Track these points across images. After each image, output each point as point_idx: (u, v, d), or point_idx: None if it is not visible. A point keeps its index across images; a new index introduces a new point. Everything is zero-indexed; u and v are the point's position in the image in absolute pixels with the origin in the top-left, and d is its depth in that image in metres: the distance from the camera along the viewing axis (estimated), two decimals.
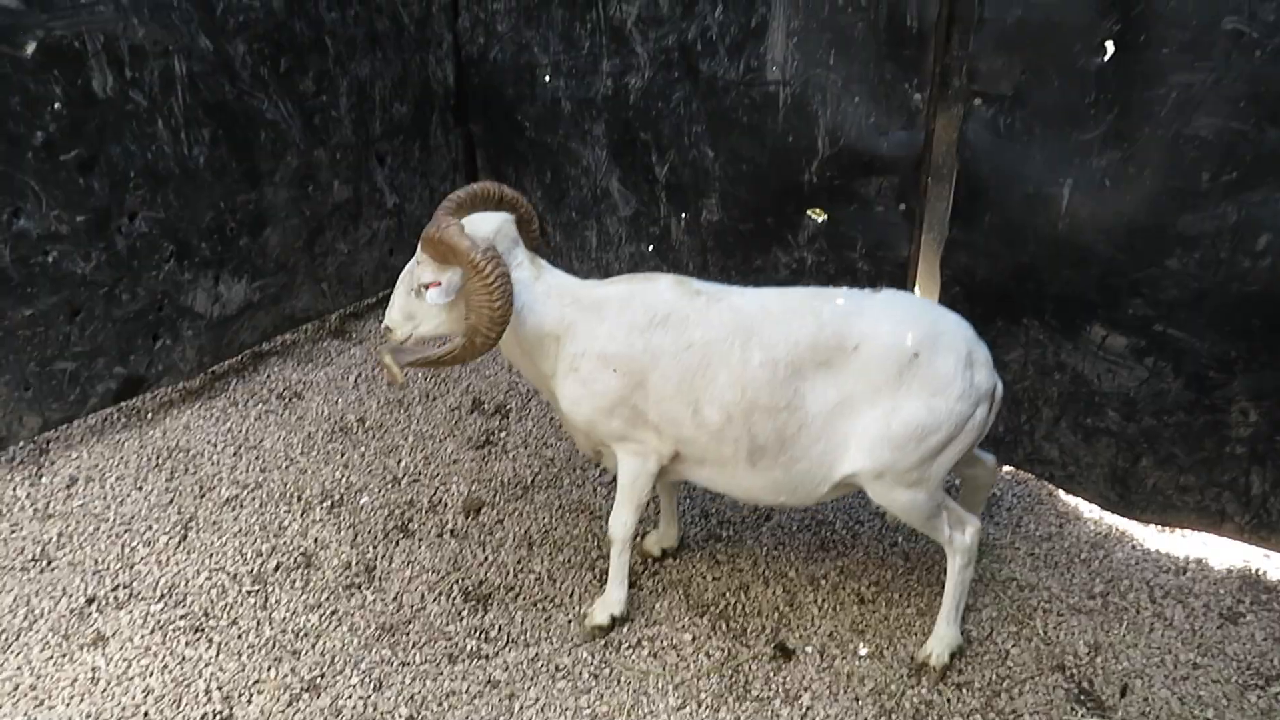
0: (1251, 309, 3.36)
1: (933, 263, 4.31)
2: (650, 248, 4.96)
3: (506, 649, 3.33)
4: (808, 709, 3.11)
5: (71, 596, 3.49)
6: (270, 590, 3.56)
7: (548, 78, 4.96)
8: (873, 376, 2.96)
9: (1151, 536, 3.89)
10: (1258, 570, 3.70)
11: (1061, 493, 4.09)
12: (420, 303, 3.06)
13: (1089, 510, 3.99)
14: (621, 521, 3.32)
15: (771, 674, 3.24)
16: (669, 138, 4.63)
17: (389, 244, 5.34)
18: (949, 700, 3.16)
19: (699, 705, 3.12)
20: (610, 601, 3.42)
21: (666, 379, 3.05)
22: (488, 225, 3.04)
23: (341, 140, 4.88)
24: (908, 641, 3.37)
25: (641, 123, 4.70)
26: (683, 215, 4.75)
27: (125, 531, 3.81)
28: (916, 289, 4.35)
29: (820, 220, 4.32)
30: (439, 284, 2.97)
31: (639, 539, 3.76)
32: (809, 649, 3.34)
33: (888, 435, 2.96)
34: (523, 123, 5.17)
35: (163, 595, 3.51)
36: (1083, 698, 3.17)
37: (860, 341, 2.97)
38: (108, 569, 3.62)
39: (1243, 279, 3.34)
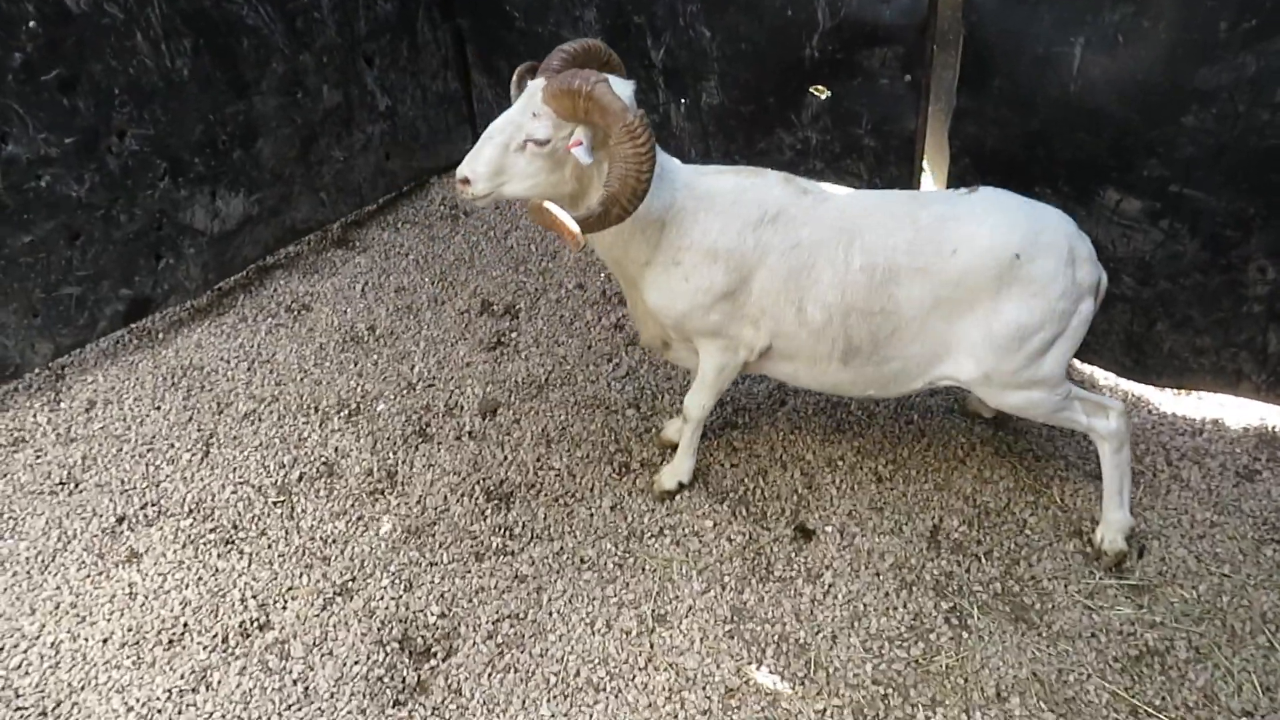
0: (1270, 164, 3.28)
1: (940, 135, 4.20)
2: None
3: (531, 544, 3.39)
4: (830, 586, 3.18)
5: (102, 517, 3.55)
6: (295, 500, 3.62)
7: None
8: (971, 281, 2.93)
9: (1168, 400, 3.88)
10: (1274, 427, 3.70)
11: (1077, 361, 4.06)
12: (518, 158, 2.83)
13: (1105, 378, 3.98)
14: (700, 404, 3.38)
15: (793, 554, 3.30)
16: (663, 19, 4.46)
17: (384, 148, 5.23)
18: (969, 570, 3.22)
19: (723, 588, 3.18)
20: (680, 470, 3.53)
21: (774, 276, 3.04)
22: (626, 90, 2.81)
23: (327, 42, 4.73)
24: (926, 517, 3.41)
25: (634, 5, 4.53)
26: (682, 101, 4.62)
27: (148, 451, 3.86)
28: (925, 162, 4.25)
29: (824, 97, 4.20)
30: (580, 143, 2.77)
31: (660, 427, 3.83)
32: (829, 529, 3.38)
33: (989, 338, 2.96)
34: (511, 13, 4.99)
35: (191, 510, 3.58)
36: (1100, 559, 3.22)
37: (959, 246, 2.93)
38: (134, 488, 3.68)
39: (1261, 133, 3.24)
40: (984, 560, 3.25)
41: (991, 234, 2.93)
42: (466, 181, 2.87)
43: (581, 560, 3.32)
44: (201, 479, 3.72)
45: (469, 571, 3.29)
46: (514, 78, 3.00)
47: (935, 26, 3.87)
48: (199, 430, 3.96)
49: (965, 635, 3.00)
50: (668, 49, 4.52)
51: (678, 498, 3.54)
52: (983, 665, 2.90)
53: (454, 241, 5.18)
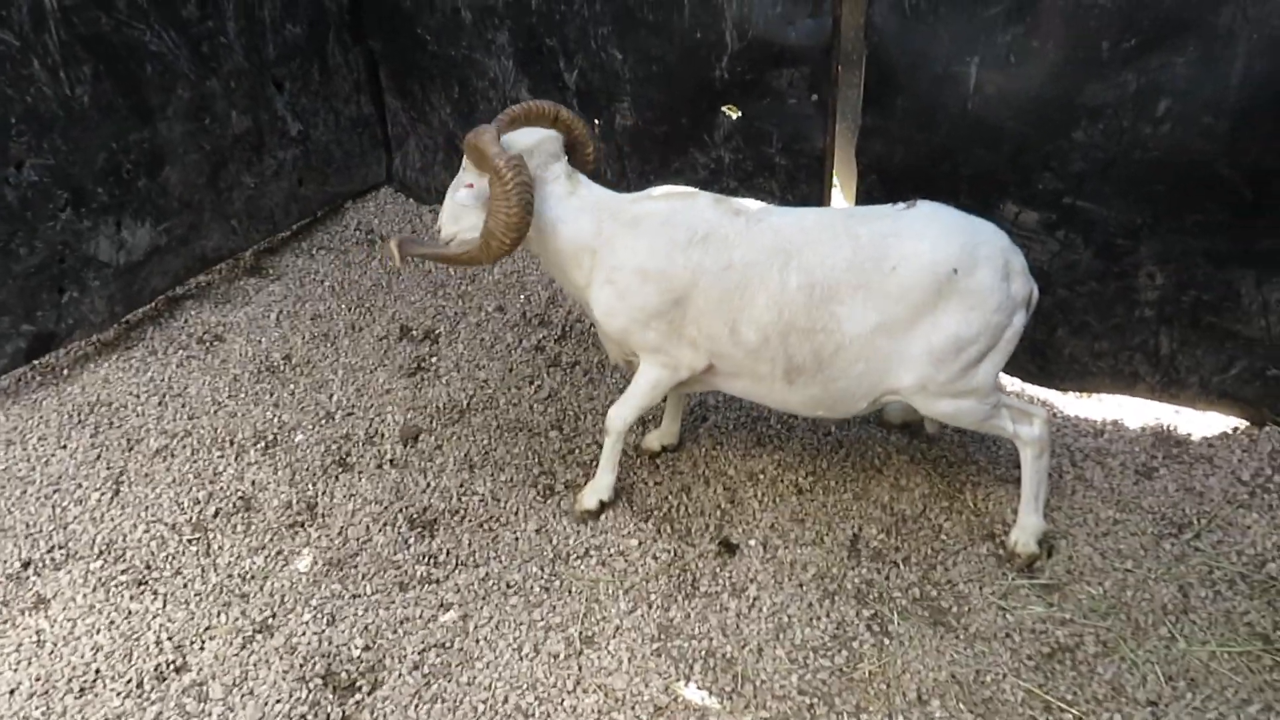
0: (1155, 175, 3.45)
1: (848, 152, 4.31)
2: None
3: (456, 571, 3.37)
4: (754, 599, 3.22)
5: (6, 562, 3.42)
6: (211, 537, 3.53)
7: None
8: (912, 296, 2.99)
9: (1070, 403, 4.04)
10: (1168, 426, 3.87)
11: None
12: (465, 207, 3.20)
13: (1011, 383, 4.12)
14: (622, 416, 3.41)
15: (718, 569, 3.34)
16: (575, 42, 4.50)
17: (297, 174, 5.16)
18: (888, 577, 3.29)
19: (649, 606, 3.21)
20: (599, 487, 3.53)
21: (706, 297, 3.10)
22: (528, 138, 3.15)
23: (235, 67, 4.66)
24: (846, 526, 3.49)
25: (546, 28, 4.56)
26: (596, 121, 4.66)
27: (55, 491, 3.73)
28: (834, 179, 4.36)
29: (735, 117, 4.28)
30: (470, 186, 3.16)
31: (639, 436, 3.86)
32: (752, 542, 3.43)
33: (928, 350, 3.03)
34: (424, 36, 4.98)
35: (101, 552, 3.47)
36: (1012, 561, 3.33)
37: (898, 262, 2.99)
38: (40, 531, 3.55)
39: (1145, 146, 3.41)
40: (902, 566, 3.33)
41: (931, 249, 2.98)
42: (439, 229, 3.31)
43: (508, 585, 3.31)
44: (112, 519, 3.61)
45: (393, 602, 3.26)
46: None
47: (839, 48, 3.98)
48: (108, 468, 3.84)
49: (886, 641, 3.07)
50: (580, 71, 4.57)
51: (603, 517, 3.55)
52: (904, 670, 2.97)
53: (371, 267, 5.13)
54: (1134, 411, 3.96)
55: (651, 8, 4.19)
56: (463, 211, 3.22)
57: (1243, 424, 3.81)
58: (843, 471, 3.73)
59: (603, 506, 3.55)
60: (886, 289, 3.00)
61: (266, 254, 5.23)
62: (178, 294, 4.89)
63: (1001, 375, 4.10)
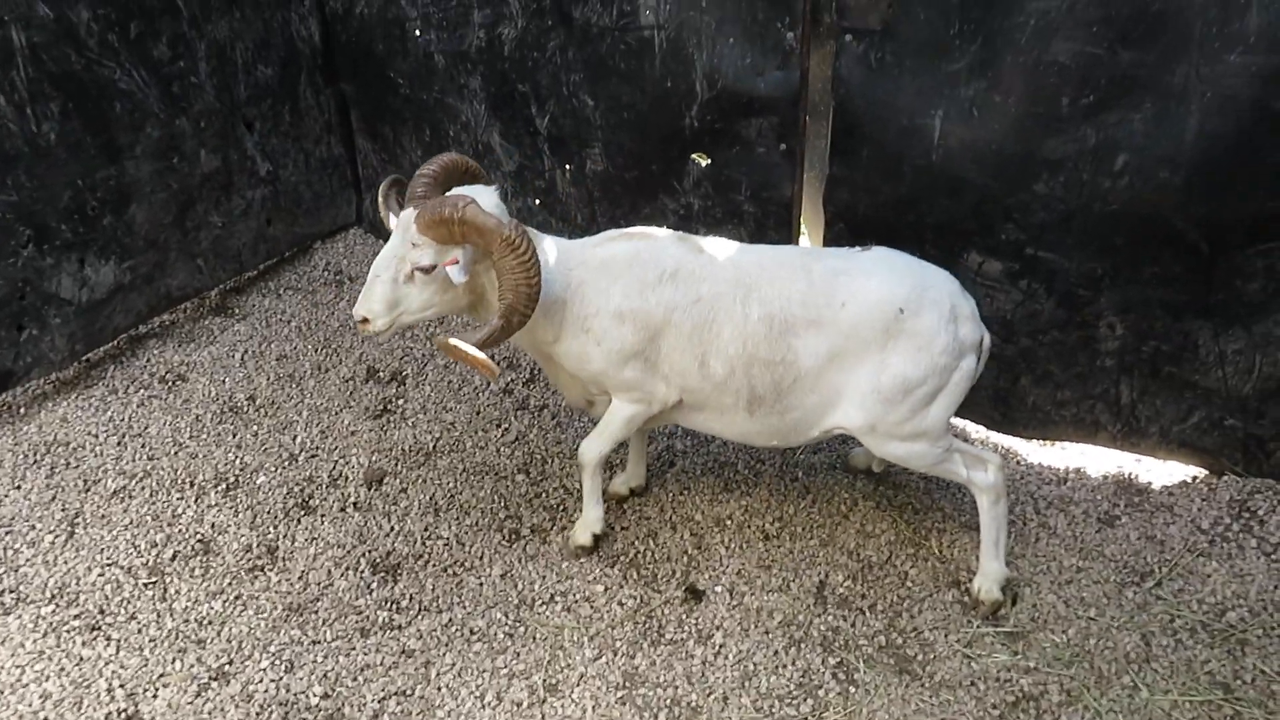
0: (1113, 227, 3.52)
1: (816, 201, 4.37)
2: (538, 201, 4.90)
3: (419, 617, 3.32)
4: (720, 646, 3.20)
5: None
6: (169, 581, 3.46)
7: (418, 31, 4.81)
8: (861, 333, 3.06)
9: (1034, 451, 4.07)
10: (1130, 475, 3.91)
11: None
12: (409, 288, 3.01)
13: (975, 431, 4.16)
14: (596, 450, 3.41)
15: (684, 616, 3.31)
16: (547, 88, 4.55)
17: (265, 214, 5.14)
18: (854, 624, 3.28)
19: (614, 654, 3.17)
20: (590, 521, 3.53)
21: (678, 332, 3.12)
22: (491, 199, 3.02)
23: (205, 107, 4.65)
24: (812, 573, 3.48)
25: (518, 74, 4.60)
26: (567, 167, 4.70)
27: (6, 533, 3.64)
28: (802, 227, 4.41)
29: (704, 164, 4.33)
30: (455, 262, 2.93)
31: (606, 481, 3.79)
32: (718, 588, 3.42)
33: (876, 389, 3.09)
34: (396, 79, 5.01)
35: (53, 596, 3.38)
36: (977, 609, 3.33)
37: (847, 300, 3.07)
38: None
39: (1104, 199, 3.48)
40: (868, 614, 3.33)
41: (878, 289, 3.07)
42: (366, 320, 3.04)
43: (471, 631, 3.26)
44: (65, 562, 3.52)
45: (354, 648, 3.20)
46: (379, 196, 3.21)
47: (807, 98, 4.05)
48: (63, 510, 3.76)
49: (852, 690, 3.06)
50: (552, 116, 4.61)
51: (567, 564, 3.52)
52: (869, 719, 2.96)
53: (338, 308, 5.10)
54: (1096, 460, 4.00)
55: (623, 56, 4.24)
56: (413, 296, 3.02)
57: (1201, 473, 3.86)
58: (809, 518, 3.73)
59: (596, 541, 3.53)
60: (838, 324, 3.08)
61: (233, 293, 5.19)
62: (140, 333, 4.83)
63: (965, 422, 4.17)
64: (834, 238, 4.12)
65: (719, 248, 3.26)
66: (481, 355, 2.87)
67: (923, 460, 3.26)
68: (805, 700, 3.02)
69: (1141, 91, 3.28)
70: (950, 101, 3.60)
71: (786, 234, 4.34)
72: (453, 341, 2.87)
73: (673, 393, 3.24)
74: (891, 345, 3.07)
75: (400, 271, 3.00)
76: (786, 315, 3.09)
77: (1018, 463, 4.00)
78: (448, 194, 2.99)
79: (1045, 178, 3.54)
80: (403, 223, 2.99)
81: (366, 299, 3.03)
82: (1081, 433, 3.99)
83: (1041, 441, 4.11)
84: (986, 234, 3.75)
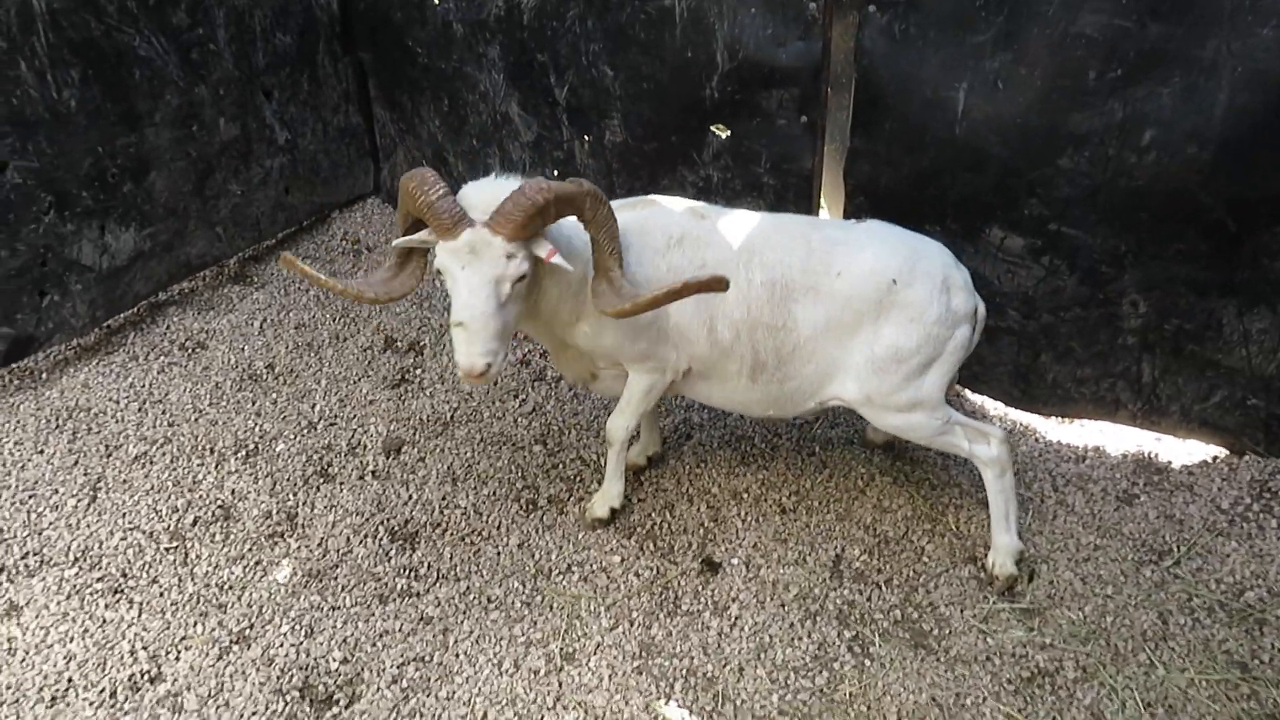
0: (1138, 203, 3.48)
1: (836, 173, 4.34)
2: (555, 173, 4.88)
3: (437, 585, 3.34)
4: (736, 618, 3.21)
5: None
6: (189, 546, 3.49)
7: (436, 0, 4.78)
8: (855, 304, 3.09)
9: (1053, 428, 4.06)
10: (1149, 453, 3.89)
11: (969, 392, 4.23)
12: (511, 308, 2.79)
13: (994, 407, 4.14)
14: (623, 425, 3.41)
15: (700, 588, 3.33)
16: (566, 58, 4.52)
17: (284, 182, 5.14)
18: (870, 598, 3.29)
19: (631, 624, 3.19)
20: (610, 495, 3.54)
21: (686, 298, 3.02)
22: (511, 183, 2.85)
23: (224, 75, 4.65)
24: (829, 547, 3.48)
25: (537, 43, 4.57)
26: (586, 137, 4.67)
27: (30, 497, 3.68)
28: (822, 200, 4.38)
29: (724, 136, 4.30)
30: (555, 251, 2.76)
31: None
32: (735, 561, 3.43)
33: (870, 359, 3.12)
34: (414, 49, 4.98)
35: (76, 559, 3.42)
36: (993, 584, 3.33)
37: (843, 269, 3.10)
38: (15, 537, 3.50)
39: (1130, 174, 3.44)
40: (884, 588, 3.33)
41: (872, 259, 3.10)
42: (483, 374, 2.74)
43: (489, 600, 3.28)
44: (88, 526, 3.56)
45: (373, 614, 3.23)
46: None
47: (829, 70, 4.01)
48: (85, 474, 3.79)
49: (868, 663, 3.07)
50: (571, 87, 4.58)
51: (582, 535, 3.53)
52: (885, 692, 2.97)
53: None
54: (1115, 438, 3.98)
55: (643, 26, 4.20)
56: (512, 312, 2.80)
57: (1222, 453, 3.83)
58: (826, 492, 3.73)
59: (614, 514, 3.56)
60: (834, 293, 3.11)
61: (251, 261, 5.21)
62: (160, 300, 4.85)
63: (984, 399, 4.15)
64: (854, 211, 4.09)
65: (721, 214, 3.27)
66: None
67: (921, 431, 3.27)
68: (820, 672, 3.03)
69: (1170, 65, 3.23)
70: (975, 74, 3.56)
71: (806, 206, 4.31)
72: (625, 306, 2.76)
73: (683, 359, 3.25)
74: (885, 316, 3.10)
75: (501, 293, 2.75)
76: (787, 280, 3.12)
77: (1036, 439, 3.98)
78: (470, 192, 2.85)
79: (1070, 152, 3.50)
80: (477, 244, 2.70)
81: (477, 343, 2.71)
82: (1101, 410, 3.97)
83: (1061, 419, 4.09)
84: (1009, 209, 3.71)
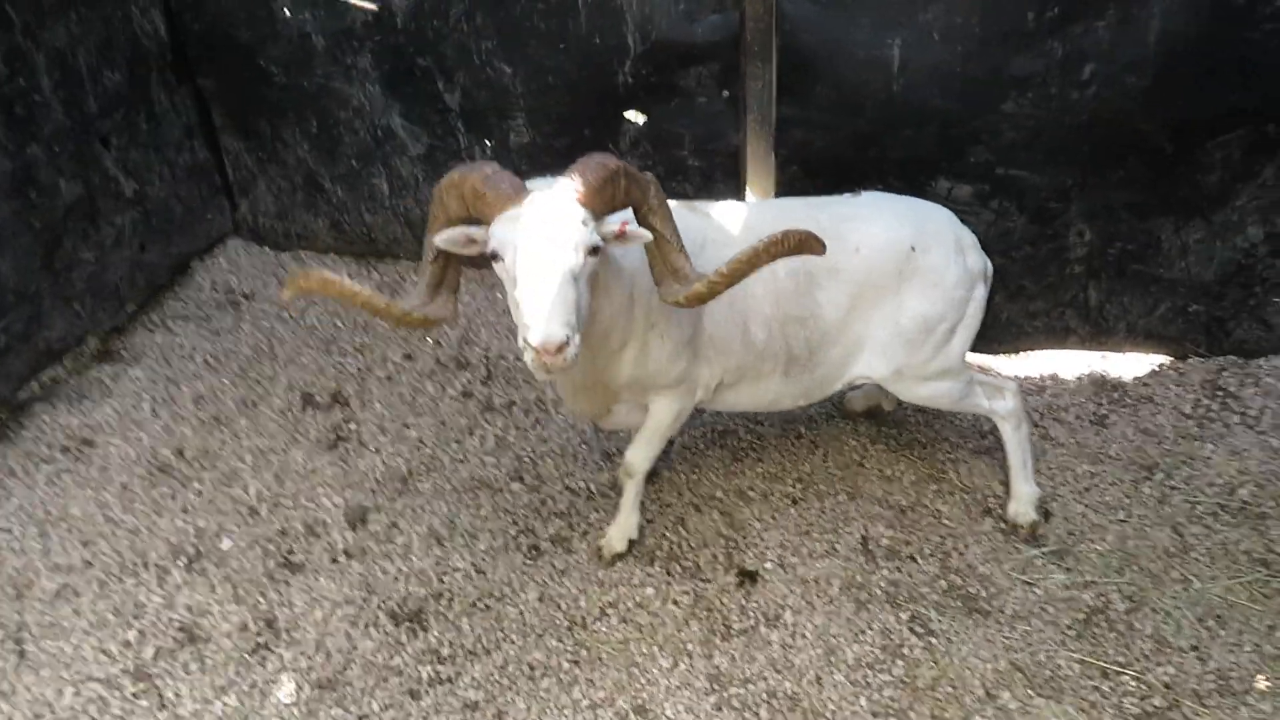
0: (1082, 137, 3.56)
1: (758, 147, 4.20)
2: None
3: (468, 664, 3.02)
4: (793, 626, 3.08)
5: None
6: (161, 685, 2.99)
7: (288, 10, 4.26)
8: (875, 277, 3.02)
9: (1004, 364, 4.14)
10: (1100, 372, 4.04)
11: None
12: (582, 287, 2.39)
13: None
14: (645, 456, 3.22)
15: (744, 601, 3.17)
16: (454, 59, 4.14)
17: (138, 239, 4.48)
18: (910, 574, 3.24)
19: (690, 657, 3.00)
20: (627, 528, 3.34)
21: (718, 303, 2.74)
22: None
23: (55, 128, 3.96)
24: (852, 529, 3.41)
25: (417, 47, 4.17)
26: (486, 142, 4.33)
27: None
28: (749, 175, 4.25)
29: (640, 122, 4.08)
30: (626, 224, 2.48)
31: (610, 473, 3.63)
32: (768, 565, 3.29)
33: (898, 333, 3.06)
34: (268, 68, 4.44)
35: None
36: (1016, 532, 3.36)
37: (860, 244, 3.01)
38: None
39: (1073, 110, 3.51)
40: (919, 560, 3.29)
41: (886, 230, 3.05)
42: (563, 347, 2.26)
43: (530, 667, 3.00)
44: (26, 689, 2.98)
45: (409, 715, 2.88)
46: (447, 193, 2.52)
47: (746, 40, 3.86)
48: (1, 627, 3.19)
49: (934, 641, 3.02)
50: (463, 90, 4.21)
51: (601, 573, 3.29)
52: (963, 667, 2.93)
53: (243, 332, 4.55)
54: (1065, 363, 4.11)
55: (542, 17, 3.91)
56: (584, 292, 2.42)
57: (1167, 360, 4.04)
58: (828, 473, 3.65)
59: (630, 546, 3.35)
60: (854, 270, 3.04)
61: (115, 334, 4.52)
62: (22, 399, 4.13)
63: None
64: (788, 181, 3.99)
65: (727, 212, 3.10)
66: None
67: (949, 397, 3.26)
68: (895, 662, 2.96)
69: None
70: (909, 29, 3.51)
71: (734, 185, 4.18)
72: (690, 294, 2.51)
73: (715, 374, 3.08)
74: (906, 286, 3.05)
75: (575, 262, 2.34)
76: (809, 267, 3.01)
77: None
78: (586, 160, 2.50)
79: (1014, 96, 3.52)
80: (546, 208, 2.36)
81: (557, 312, 2.27)
82: (1052, 340, 4.09)
83: (1011, 354, 4.18)
84: (955, 159, 3.71)
